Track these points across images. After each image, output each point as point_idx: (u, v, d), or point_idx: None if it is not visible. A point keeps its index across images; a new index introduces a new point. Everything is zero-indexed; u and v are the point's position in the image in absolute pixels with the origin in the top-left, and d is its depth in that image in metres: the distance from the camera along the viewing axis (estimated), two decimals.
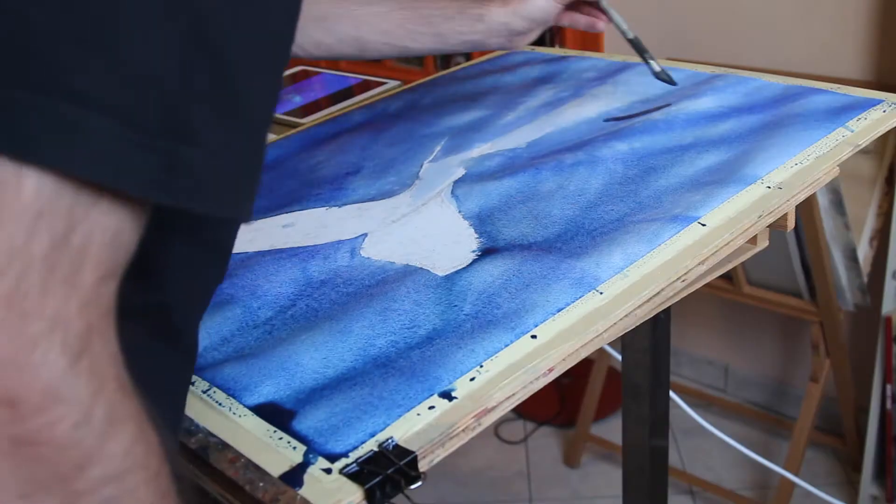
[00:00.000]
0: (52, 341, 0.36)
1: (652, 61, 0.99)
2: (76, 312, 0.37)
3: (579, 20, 1.00)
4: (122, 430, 0.39)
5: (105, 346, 0.39)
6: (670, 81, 1.00)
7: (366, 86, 1.38)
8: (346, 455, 0.55)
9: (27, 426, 0.36)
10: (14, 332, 0.35)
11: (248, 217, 0.42)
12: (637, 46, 0.99)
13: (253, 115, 0.43)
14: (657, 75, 1.00)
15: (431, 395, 0.59)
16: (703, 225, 0.74)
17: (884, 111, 0.91)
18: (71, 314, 0.37)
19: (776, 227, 0.81)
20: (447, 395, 0.59)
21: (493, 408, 0.58)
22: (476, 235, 0.79)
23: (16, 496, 0.36)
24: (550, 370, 0.61)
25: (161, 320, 0.54)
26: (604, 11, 0.99)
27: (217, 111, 0.40)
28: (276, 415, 0.60)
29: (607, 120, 0.99)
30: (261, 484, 0.55)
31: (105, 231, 0.38)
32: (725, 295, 1.83)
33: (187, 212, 0.40)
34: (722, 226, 0.75)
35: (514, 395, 0.60)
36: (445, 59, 2.30)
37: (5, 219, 0.35)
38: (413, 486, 0.53)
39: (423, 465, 0.55)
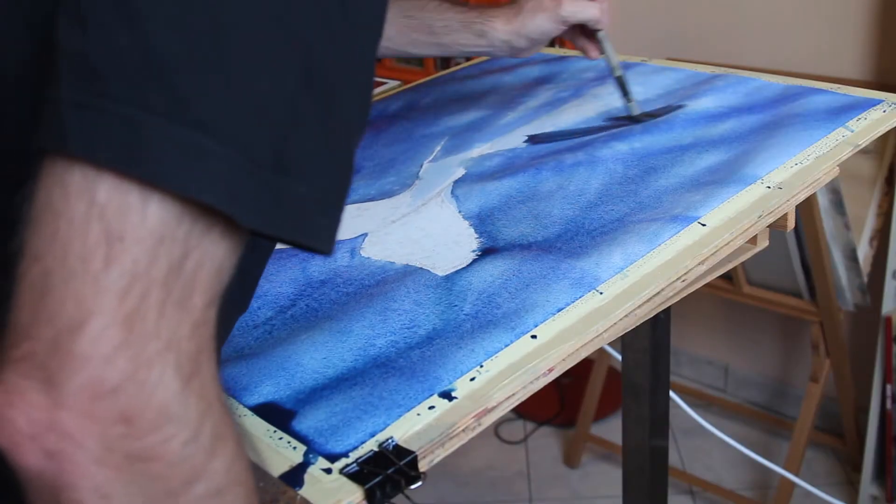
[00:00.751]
0: (167, 362, 0.37)
1: (632, 103, 0.99)
2: (188, 335, 0.38)
3: (577, 39, 1.02)
4: (225, 448, 0.40)
5: (211, 368, 0.40)
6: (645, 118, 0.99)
7: None
8: (346, 455, 0.55)
9: (142, 443, 0.37)
10: (134, 352, 0.36)
11: (331, 250, 0.44)
12: (622, 85, 1.00)
13: (346, 152, 0.44)
14: (634, 118, 0.99)
15: (431, 395, 0.59)
16: (703, 225, 0.74)
17: (884, 111, 0.91)
18: (183, 337, 0.38)
19: (776, 227, 0.81)
20: (447, 395, 0.59)
21: (493, 408, 0.58)
22: (476, 235, 0.79)
23: None
24: (550, 370, 0.61)
25: None
26: (600, 42, 1.01)
27: (318, 146, 0.42)
28: (276, 415, 0.60)
29: (610, 120, 0.99)
30: (261, 484, 0.55)
31: (213, 259, 0.39)
32: (725, 295, 1.83)
33: (272, 240, 0.41)
34: (722, 226, 0.74)
35: (514, 395, 0.60)
36: (445, 59, 2.30)
37: (130, 242, 0.36)
38: (413, 486, 0.53)
39: (423, 465, 0.55)
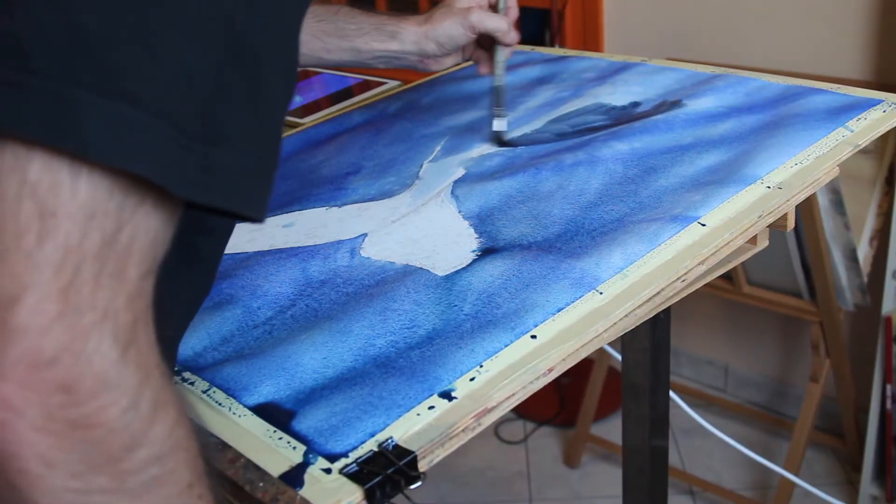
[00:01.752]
0: (104, 332, 0.38)
1: (501, 118, 0.98)
2: (124, 305, 0.39)
3: (478, 52, 1.02)
4: (165, 415, 0.41)
5: (149, 337, 0.41)
6: (499, 141, 0.98)
7: (366, 86, 1.38)
8: (345, 455, 0.55)
9: (81, 410, 0.38)
10: (70, 323, 0.37)
11: (263, 217, 0.45)
12: (498, 95, 0.99)
13: (272, 119, 0.45)
14: (493, 133, 0.98)
15: (431, 395, 0.59)
16: (703, 225, 0.74)
17: (884, 111, 0.91)
18: (119, 307, 0.39)
19: (776, 227, 0.81)
20: (447, 395, 0.59)
21: (493, 408, 0.58)
22: (476, 235, 0.79)
23: (69, 475, 0.39)
24: (550, 370, 0.61)
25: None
26: (495, 50, 1.00)
27: (245, 115, 0.43)
28: (276, 415, 0.60)
29: (610, 116, 0.99)
30: (261, 484, 0.55)
31: (147, 231, 0.40)
32: (725, 295, 1.83)
33: (206, 212, 0.42)
34: (722, 226, 0.74)
35: (514, 395, 0.60)
36: None
37: (62, 218, 0.37)
38: (413, 486, 0.53)
39: (422, 465, 0.55)
